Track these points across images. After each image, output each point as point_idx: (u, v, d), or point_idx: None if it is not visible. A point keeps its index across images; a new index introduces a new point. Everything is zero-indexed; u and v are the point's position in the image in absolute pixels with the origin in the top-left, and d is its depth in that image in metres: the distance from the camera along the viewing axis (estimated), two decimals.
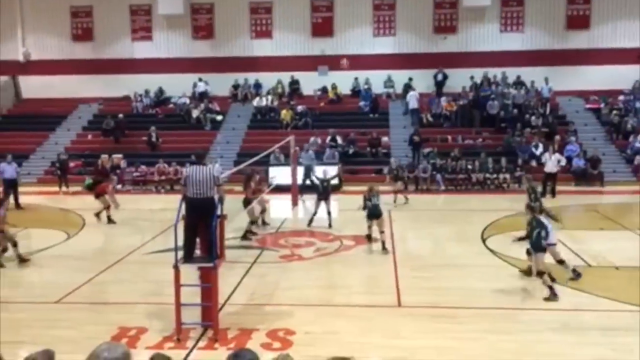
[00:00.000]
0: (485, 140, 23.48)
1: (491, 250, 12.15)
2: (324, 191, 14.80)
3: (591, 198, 18.63)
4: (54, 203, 18.68)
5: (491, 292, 9.52)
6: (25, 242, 12.44)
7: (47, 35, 27.77)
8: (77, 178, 21.51)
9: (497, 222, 14.66)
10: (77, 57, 27.53)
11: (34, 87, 27.61)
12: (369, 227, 12.62)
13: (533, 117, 23.78)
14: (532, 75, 25.37)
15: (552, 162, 19.00)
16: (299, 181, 18.28)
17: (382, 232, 12.29)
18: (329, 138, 22.99)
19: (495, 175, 20.70)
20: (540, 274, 9.19)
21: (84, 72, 27.16)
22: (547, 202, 17.84)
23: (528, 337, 7.67)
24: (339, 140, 23.19)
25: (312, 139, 22.80)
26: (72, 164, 22.41)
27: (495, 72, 25.89)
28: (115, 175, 20.26)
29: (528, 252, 9.96)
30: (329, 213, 14.58)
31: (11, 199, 17.13)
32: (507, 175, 20.61)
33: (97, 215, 15.40)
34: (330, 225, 14.38)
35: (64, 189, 20.84)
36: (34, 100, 27.58)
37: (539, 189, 18.55)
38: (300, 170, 19.00)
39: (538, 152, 21.32)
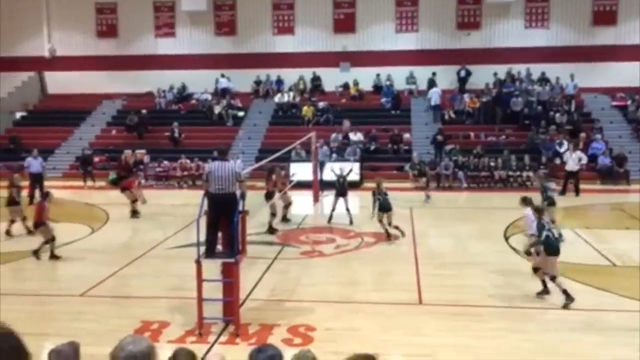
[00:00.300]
0: (508, 138, 23.23)
1: (513, 249, 12.04)
2: (340, 187, 14.79)
3: (617, 197, 18.35)
4: (78, 197, 18.94)
5: (513, 290, 9.44)
6: (54, 236, 12.62)
7: (73, 31, 28.12)
8: (101, 173, 21.81)
9: (519, 220, 14.49)
10: (101, 53, 27.83)
11: (59, 82, 28.00)
12: (380, 221, 12.71)
13: (558, 114, 23.46)
14: (557, 71, 25.02)
15: (573, 160, 18.75)
16: (305, 178, 18.11)
17: (390, 223, 12.67)
18: (335, 136, 22.84)
19: (518, 173, 20.49)
20: (553, 278, 8.82)
21: (108, 68, 27.47)
22: (570, 200, 17.70)
23: (550, 337, 7.59)
24: (361, 137, 23.14)
25: (333, 135, 22.78)
26: (96, 159, 22.71)
27: (519, 69, 25.59)
28: (139, 171, 20.50)
29: (528, 253, 9.76)
30: (347, 210, 14.56)
31: (36, 193, 17.47)
32: (531, 173, 20.35)
33: (133, 211, 15.62)
34: (351, 222, 14.36)
35: (89, 183, 21.14)
36: (59, 96, 27.97)
37: (560, 187, 18.43)
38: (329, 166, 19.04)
39: (562, 150, 21.04)
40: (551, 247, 8.93)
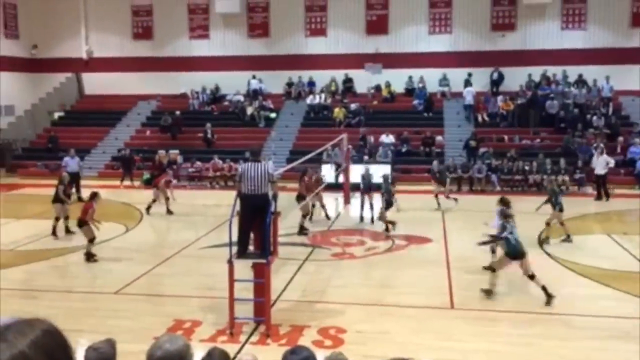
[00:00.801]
0: (543, 141, 22.85)
1: (548, 254, 11.83)
2: (364, 187, 14.85)
3: None
4: (114, 196, 19.27)
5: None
6: (95, 237, 12.87)
7: (109, 33, 28.65)
8: (135, 173, 22.16)
9: (554, 225, 14.23)
10: (137, 54, 28.30)
11: (96, 83, 28.55)
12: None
13: (595, 118, 22.98)
14: (594, 74, 24.50)
15: (600, 164, 18.34)
16: (332, 179, 18.13)
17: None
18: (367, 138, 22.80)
19: (553, 177, 20.10)
20: (531, 277, 9.03)
21: (144, 69, 27.91)
22: (601, 205, 17.33)
23: (586, 344, 7.44)
24: (392, 139, 23.01)
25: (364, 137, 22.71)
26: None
27: (555, 71, 25.15)
28: (171, 170, 20.77)
29: (493, 251, 10.36)
30: (371, 207, 14.60)
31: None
32: (567, 177, 19.99)
33: (168, 210, 15.93)
34: (372, 221, 14.42)
35: (126, 182, 21.49)
36: (96, 97, 28.53)
37: (588, 190, 18.09)
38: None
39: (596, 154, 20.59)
40: (510, 250, 9.10)
